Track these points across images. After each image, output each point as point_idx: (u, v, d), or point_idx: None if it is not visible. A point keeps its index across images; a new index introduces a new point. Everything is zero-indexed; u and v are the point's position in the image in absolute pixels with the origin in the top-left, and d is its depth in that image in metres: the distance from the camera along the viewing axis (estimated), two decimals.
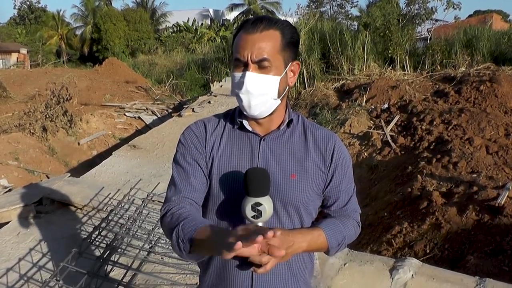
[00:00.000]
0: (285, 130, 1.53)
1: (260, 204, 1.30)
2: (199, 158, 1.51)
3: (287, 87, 1.50)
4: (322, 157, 1.53)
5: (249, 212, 1.30)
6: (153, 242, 4.02)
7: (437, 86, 11.58)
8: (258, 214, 1.30)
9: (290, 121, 1.53)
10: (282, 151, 1.50)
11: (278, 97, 1.46)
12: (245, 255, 1.11)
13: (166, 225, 1.43)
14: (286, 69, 1.46)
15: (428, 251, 4.99)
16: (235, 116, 1.54)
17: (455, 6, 14.75)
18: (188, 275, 3.63)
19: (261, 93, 1.41)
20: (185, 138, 1.56)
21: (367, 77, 13.23)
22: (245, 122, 1.51)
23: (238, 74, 1.43)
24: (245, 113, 1.47)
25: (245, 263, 1.25)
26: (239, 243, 1.05)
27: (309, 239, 1.44)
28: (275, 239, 1.27)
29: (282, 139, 1.52)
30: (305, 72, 13.83)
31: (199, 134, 1.54)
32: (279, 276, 1.50)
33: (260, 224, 1.31)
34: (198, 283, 1.65)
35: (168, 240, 1.53)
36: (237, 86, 1.43)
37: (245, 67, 1.41)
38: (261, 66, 1.40)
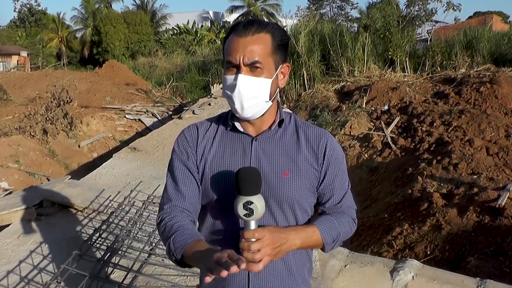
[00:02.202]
0: (277, 130, 1.55)
1: (251, 203, 1.32)
2: (190, 164, 1.56)
3: (278, 89, 1.53)
4: (315, 154, 1.54)
5: (241, 211, 1.32)
6: (153, 244, 4.02)
7: (437, 88, 11.58)
8: (250, 213, 1.32)
9: (281, 121, 1.55)
10: (274, 150, 1.53)
11: (270, 99, 1.48)
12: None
13: (160, 235, 1.51)
14: (277, 71, 1.48)
15: (428, 252, 4.99)
16: (228, 118, 1.57)
17: (455, 8, 14.76)
18: (188, 277, 3.63)
19: (253, 95, 1.44)
20: (177, 144, 1.61)
21: (367, 79, 13.24)
22: (237, 124, 1.53)
23: (230, 77, 1.45)
24: (236, 115, 1.50)
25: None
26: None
27: (303, 236, 1.46)
28: (267, 237, 1.30)
29: (274, 139, 1.54)
30: (305, 74, 13.84)
31: (190, 139, 1.58)
32: (276, 274, 1.51)
33: (252, 222, 1.33)
34: (199, 283, 1.66)
35: None
36: (229, 88, 1.45)
37: (237, 69, 1.43)
38: (253, 68, 1.42)
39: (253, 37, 1.42)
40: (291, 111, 1.67)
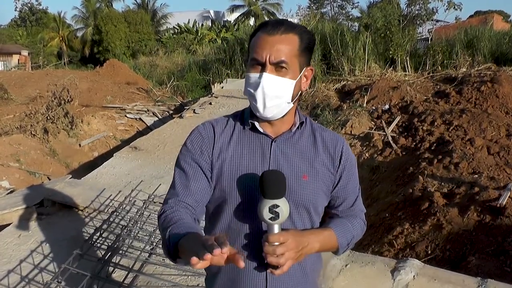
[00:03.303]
0: (295, 132, 1.54)
1: (277, 206, 1.30)
2: (202, 161, 1.50)
3: (300, 92, 1.51)
4: (331, 158, 1.54)
5: (266, 215, 1.31)
6: (154, 244, 4.02)
7: (438, 87, 11.56)
8: (276, 216, 1.30)
9: (301, 123, 1.55)
10: (292, 153, 1.51)
11: (291, 101, 1.46)
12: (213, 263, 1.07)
13: (160, 227, 1.44)
14: (301, 74, 1.47)
15: (429, 252, 4.99)
16: (246, 117, 1.54)
17: (456, 7, 14.71)
18: (189, 277, 3.63)
19: (276, 95, 1.42)
20: (191, 140, 1.55)
21: (368, 78, 13.22)
22: (256, 124, 1.51)
23: (254, 75, 1.43)
24: (257, 114, 1.46)
25: (261, 265, 1.24)
26: (194, 259, 1.03)
27: (321, 239, 1.46)
28: (290, 241, 1.29)
29: (292, 141, 1.53)
30: None
31: (206, 136, 1.54)
32: (293, 277, 1.51)
33: (276, 226, 1.32)
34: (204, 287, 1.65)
35: None
36: (253, 86, 1.43)
37: (263, 68, 1.41)
38: (279, 68, 1.40)
39: (282, 37, 1.40)
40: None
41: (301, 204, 1.48)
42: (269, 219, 1.31)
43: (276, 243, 1.28)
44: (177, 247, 1.26)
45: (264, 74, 1.39)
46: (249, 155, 1.50)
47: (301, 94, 1.53)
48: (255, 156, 1.50)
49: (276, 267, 1.29)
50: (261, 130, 1.51)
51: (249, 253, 1.44)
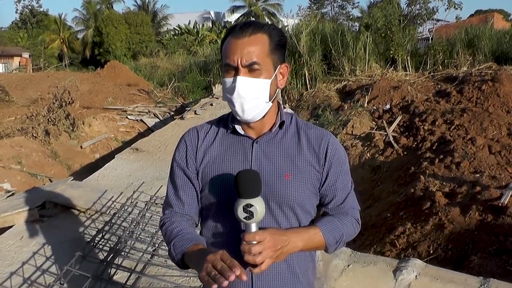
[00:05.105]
0: (278, 132, 1.54)
1: (251, 205, 1.31)
2: (189, 171, 1.58)
3: (278, 90, 1.52)
4: (316, 155, 1.53)
5: (241, 214, 1.32)
6: (156, 245, 4.02)
7: (439, 86, 11.55)
8: (250, 215, 1.32)
9: (282, 123, 1.54)
10: (275, 152, 1.52)
11: (270, 100, 1.47)
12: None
13: (164, 239, 1.59)
14: (276, 71, 1.47)
15: (431, 251, 4.99)
16: (228, 121, 1.56)
17: (456, 6, 14.71)
18: (191, 278, 3.63)
19: (253, 97, 1.43)
20: (178, 149, 1.62)
21: (369, 78, 13.21)
22: (237, 127, 1.53)
23: (229, 80, 1.44)
24: (237, 117, 1.48)
25: (241, 263, 1.26)
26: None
27: (305, 238, 1.45)
28: (268, 240, 1.30)
29: (274, 141, 1.53)
30: (306, 73, 13.83)
31: (190, 143, 1.59)
32: (279, 276, 1.51)
33: (253, 225, 1.33)
34: (202, 285, 1.66)
35: None
36: (229, 91, 1.44)
37: (236, 71, 1.41)
38: (252, 70, 1.41)
39: (250, 38, 1.41)
40: (292, 112, 1.67)
41: (285, 203, 1.48)
42: (244, 218, 1.32)
43: (253, 242, 1.29)
44: (184, 261, 1.43)
45: (238, 77, 1.40)
46: (231, 157, 1.52)
47: (279, 91, 1.55)
48: (237, 158, 1.52)
49: (255, 265, 1.29)
50: (242, 133, 1.53)
51: (233, 252, 1.44)
